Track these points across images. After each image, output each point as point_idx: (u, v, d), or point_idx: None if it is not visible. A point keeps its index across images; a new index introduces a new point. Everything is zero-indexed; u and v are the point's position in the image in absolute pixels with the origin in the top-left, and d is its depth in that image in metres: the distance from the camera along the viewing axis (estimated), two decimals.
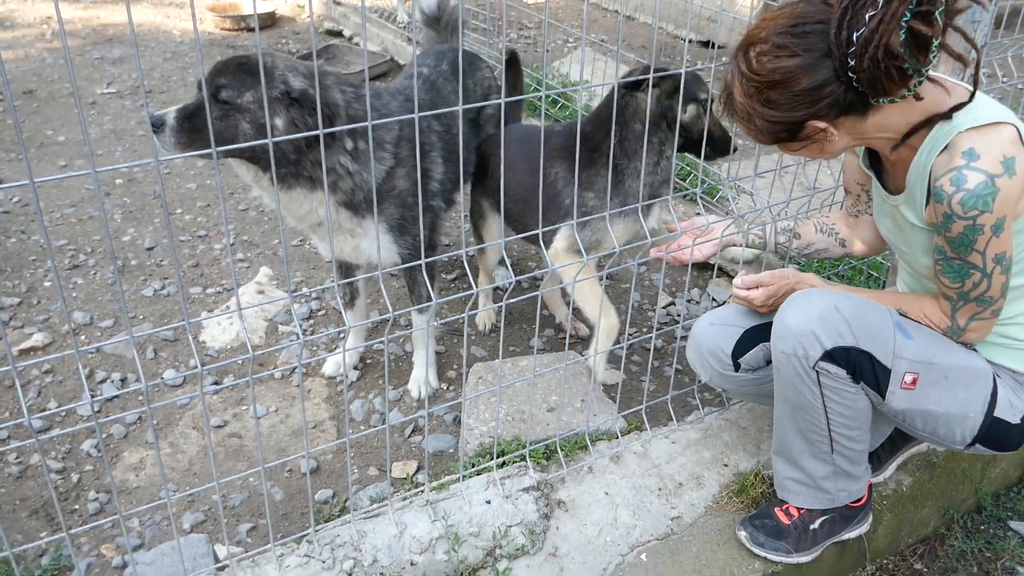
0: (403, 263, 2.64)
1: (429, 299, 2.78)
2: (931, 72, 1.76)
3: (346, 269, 2.89)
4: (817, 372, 1.96)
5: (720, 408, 2.67)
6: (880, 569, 2.50)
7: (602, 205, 2.63)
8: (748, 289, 2.30)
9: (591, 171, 2.65)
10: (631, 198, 2.63)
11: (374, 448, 2.69)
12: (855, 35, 1.66)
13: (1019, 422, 2.04)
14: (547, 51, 6.30)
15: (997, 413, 2.01)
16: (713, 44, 6.62)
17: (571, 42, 6.57)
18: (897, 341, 1.95)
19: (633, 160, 2.63)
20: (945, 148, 1.80)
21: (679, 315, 3.42)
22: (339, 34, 6.68)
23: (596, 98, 4.73)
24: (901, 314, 2.05)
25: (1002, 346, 2.04)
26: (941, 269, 1.92)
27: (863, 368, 1.94)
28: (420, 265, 1.83)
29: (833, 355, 1.93)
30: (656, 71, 2.46)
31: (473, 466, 2.34)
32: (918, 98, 1.75)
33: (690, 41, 6.68)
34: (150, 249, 3.66)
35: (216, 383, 2.93)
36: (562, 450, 2.39)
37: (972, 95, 1.78)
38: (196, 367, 3.01)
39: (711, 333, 2.35)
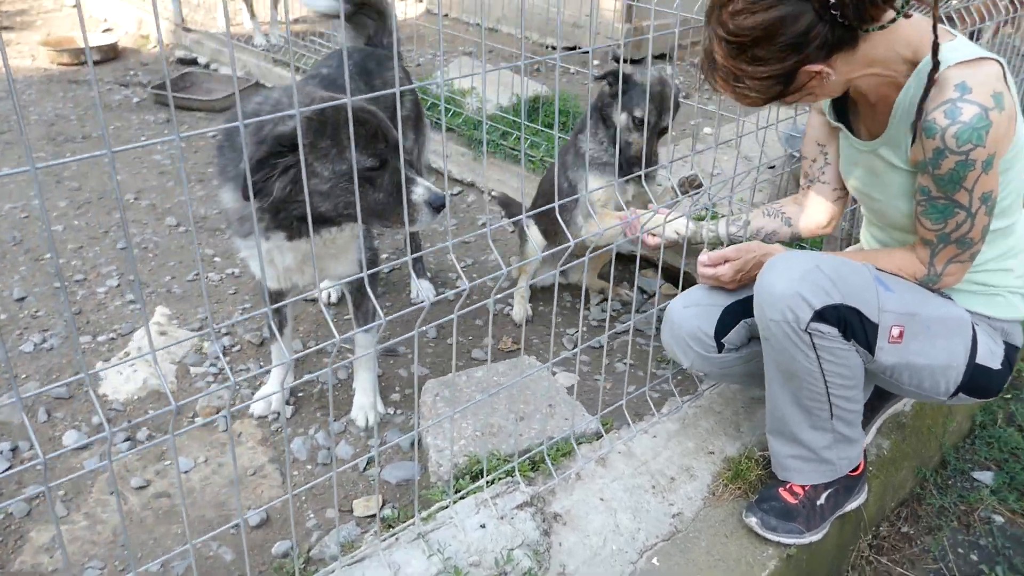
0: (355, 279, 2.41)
1: (375, 316, 2.52)
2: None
3: (275, 296, 2.58)
4: (810, 334, 1.87)
5: (692, 396, 2.56)
6: (876, 537, 2.44)
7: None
8: (715, 266, 2.21)
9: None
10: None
11: (327, 487, 2.40)
12: None
13: (1000, 367, 2.02)
14: (418, 65, 6.12)
15: (979, 360, 1.99)
16: (578, 48, 6.69)
17: (440, 55, 6.41)
18: (880, 295, 1.90)
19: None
20: (934, 82, 1.76)
21: (615, 311, 3.31)
22: (193, 62, 6.24)
23: (489, 103, 4.59)
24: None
25: (974, 293, 2.03)
26: (923, 210, 1.88)
27: (853, 325, 1.87)
28: (364, 279, 1.62)
29: (823, 314, 1.85)
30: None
31: (457, 491, 2.11)
32: (907, 16, 1.72)
33: (554, 48, 6.67)
34: (21, 300, 3.19)
35: (129, 439, 2.55)
36: (550, 458, 2.20)
37: (935, 33, 1.75)
38: (99, 424, 2.62)
39: (688, 315, 2.23)
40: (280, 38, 6.12)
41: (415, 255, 2.04)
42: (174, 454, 1.37)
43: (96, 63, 6.15)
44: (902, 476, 2.57)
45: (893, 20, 1.71)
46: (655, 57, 6.83)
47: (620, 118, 2.81)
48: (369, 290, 1.55)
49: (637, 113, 2.77)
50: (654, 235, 2.36)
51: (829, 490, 2.15)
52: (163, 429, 2.58)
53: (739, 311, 2.18)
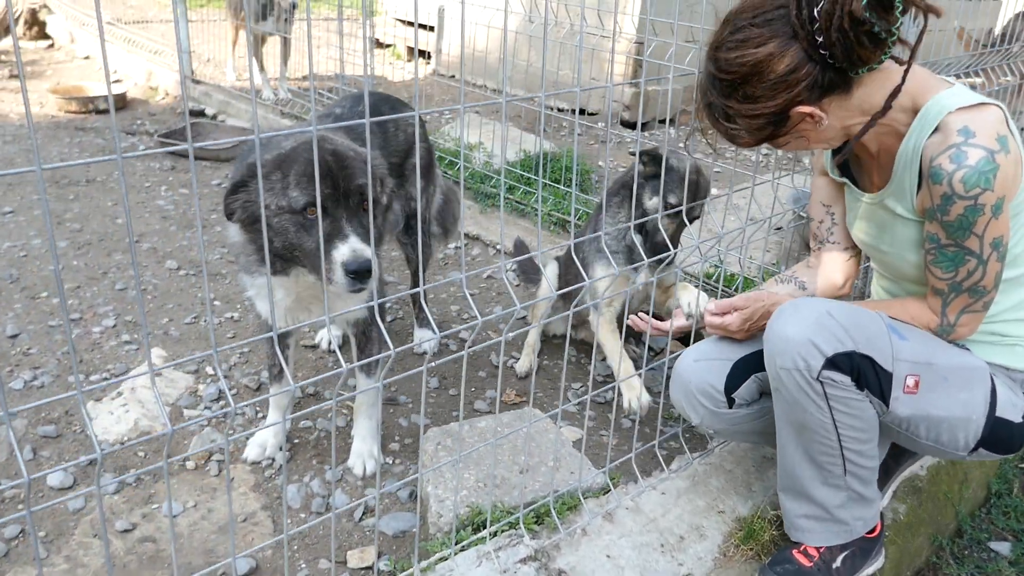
0: (363, 317, 2.36)
1: (381, 351, 2.46)
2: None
3: (280, 336, 2.52)
4: (822, 383, 1.81)
5: (703, 453, 2.48)
6: None
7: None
8: (722, 315, 2.15)
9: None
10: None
11: (320, 537, 2.30)
12: (816, 11, 1.64)
13: (1021, 420, 1.96)
14: (425, 122, 6.16)
15: (999, 413, 1.92)
16: (584, 111, 6.76)
17: (447, 114, 6.47)
18: (893, 343, 1.84)
19: None
20: (936, 129, 1.76)
21: None
22: (201, 113, 6.30)
23: (495, 157, 4.61)
24: None
25: (991, 344, 1.98)
26: (933, 259, 1.85)
27: (866, 374, 1.81)
28: (374, 309, 1.57)
29: (835, 362, 1.79)
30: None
31: (458, 542, 2.01)
32: (900, 63, 1.73)
33: (560, 110, 6.74)
34: (14, 337, 3.12)
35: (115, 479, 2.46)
36: (556, 512, 2.11)
37: (909, 63, 1.76)
38: (87, 463, 2.52)
39: (698, 370, 2.17)
40: (288, 92, 6.21)
41: (416, 290, 2.01)
42: (167, 482, 1.30)
43: (104, 112, 6.20)
44: (918, 543, 2.47)
45: (882, 62, 1.71)
46: (660, 121, 6.91)
47: (652, 203, 2.73)
48: (378, 319, 1.49)
49: (672, 200, 2.69)
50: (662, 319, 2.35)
51: (845, 552, 2.05)
52: (153, 471, 2.49)
53: (750, 365, 2.12)
